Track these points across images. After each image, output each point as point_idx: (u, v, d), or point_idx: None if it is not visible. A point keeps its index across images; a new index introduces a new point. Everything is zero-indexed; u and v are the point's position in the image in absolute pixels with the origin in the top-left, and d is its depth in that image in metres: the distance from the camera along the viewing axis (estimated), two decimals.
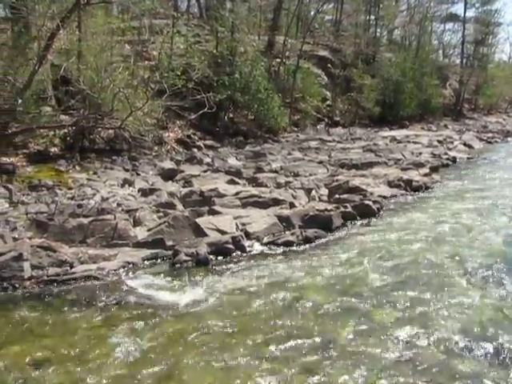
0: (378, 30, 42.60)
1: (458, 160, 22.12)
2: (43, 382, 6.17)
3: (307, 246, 10.95)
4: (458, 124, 36.40)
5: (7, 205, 11.85)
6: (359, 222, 12.54)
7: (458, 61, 49.00)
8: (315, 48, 33.81)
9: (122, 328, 7.46)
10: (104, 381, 6.15)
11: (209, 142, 20.42)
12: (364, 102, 32.45)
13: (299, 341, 6.99)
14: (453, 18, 51.08)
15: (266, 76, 25.40)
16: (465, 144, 26.96)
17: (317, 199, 14.03)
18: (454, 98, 42.02)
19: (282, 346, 6.87)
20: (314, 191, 14.49)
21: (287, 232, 11.46)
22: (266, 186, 14.74)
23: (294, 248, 10.80)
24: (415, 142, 26.19)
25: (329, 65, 33.45)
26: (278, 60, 28.84)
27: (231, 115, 23.93)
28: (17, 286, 8.79)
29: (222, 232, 10.97)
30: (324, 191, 14.71)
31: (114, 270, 9.44)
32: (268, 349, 6.83)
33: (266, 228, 11.50)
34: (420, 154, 22.27)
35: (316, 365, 6.41)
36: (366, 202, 13.27)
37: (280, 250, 10.73)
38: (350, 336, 7.12)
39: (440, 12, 48.90)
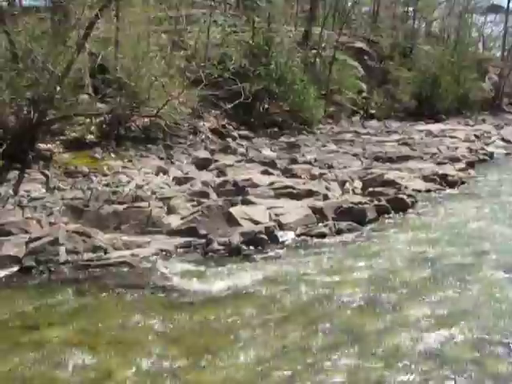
0: (416, 22, 41.87)
1: (495, 155, 21.64)
2: (79, 365, 6.24)
3: (340, 238, 10.87)
4: (497, 119, 35.55)
5: (44, 190, 12.03)
6: (393, 216, 12.38)
7: (498, 53, 47.88)
8: (352, 40, 33.43)
9: (155, 314, 7.52)
10: (136, 365, 6.20)
11: (243, 132, 20.38)
12: (400, 95, 32.01)
13: (330, 333, 6.95)
14: (495, 8, 49.89)
15: (301, 67, 25.24)
16: (503, 139, 26.31)
17: (351, 192, 13.92)
18: (493, 92, 41.09)
19: (311, 338, 6.84)
20: (347, 184, 14.37)
21: (320, 224, 11.39)
22: (300, 178, 14.67)
23: (327, 240, 10.73)
24: (452, 137, 25.69)
25: (365, 57, 33.03)
26: (314, 51, 28.61)
27: (266, 106, 23.82)
28: (52, 269, 8.95)
29: (256, 222, 10.96)
30: (358, 184, 14.58)
31: (147, 257, 9.54)
32: (297, 339, 6.82)
33: (299, 219, 11.45)
34: (456, 148, 21.84)
35: (347, 358, 6.36)
36: (401, 195, 13.12)
37: (313, 241, 10.69)
38: (381, 330, 7.04)
39: (481, 3, 47.82)
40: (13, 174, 12.36)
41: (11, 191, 11.68)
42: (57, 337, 6.90)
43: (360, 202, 12.43)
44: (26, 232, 9.87)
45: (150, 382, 5.88)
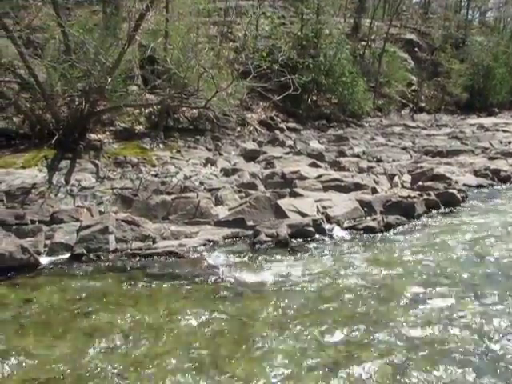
0: (470, 12, 40.99)
1: None
2: (126, 351, 6.32)
3: (388, 232, 10.73)
4: None
5: (94, 180, 12.23)
6: (443, 211, 12.17)
7: None
8: (402, 31, 32.99)
9: (201, 304, 7.55)
10: (182, 354, 6.23)
11: (291, 125, 20.34)
12: (451, 88, 31.41)
13: (378, 327, 6.85)
14: None
15: (350, 59, 25.02)
16: None
17: (399, 185, 13.74)
18: None
19: (358, 331, 6.75)
20: (396, 177, 14.18)
21: (368, 217, 11.29)
22: (348, 171, 14.55)
23: (375, 234, 10.60)
24: (504, 131, 25.07)
25: (416, 48, 32.54)
26: (364, 43, 28.32)
27: (314, 98, 23.75)
28: (102, 257, 9.12)
29: (303, 214, 10.92)
30: (407, 178, 14.36)
31: (195, 247, 9.60)
32: (344, 332, 6.73)
33: (346, 212, 11.37)
34: (509, 143, 21.30)
35: (395, 353, 6.25)
36: (451, 190, 12.86)
37: (360, 235, 10.59)
38: (430, 326, 6.90)
39: None
40: (64, 164, 12.59)
41: (63, 180, 11.91)
42: (106, 323, 6.99)
43: (409, 196, 12.27)
44: (77, 220, 10.07)
45: (196, 371, 5.90)
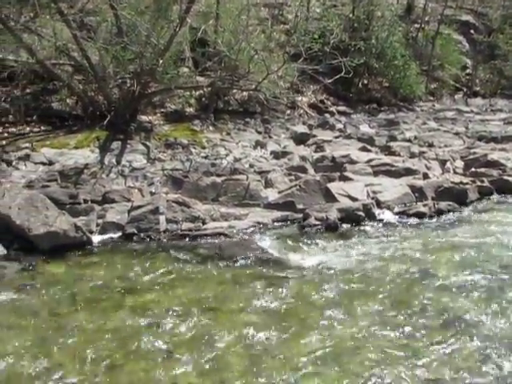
0: None
1: None
2: (173, 329, 6.39)
3: (439, 218, 10.51)
4: None
5: (145, 161, 12.35)
6: (496, 198, 11.85)
7: None
8: (457, 12, 32.04)
9: (250, 285, 7.57)
10: (230, 334, 6.26)
11: (341, 108, 20.11)
12: (509, 71, 30.42)
13: (425, 314, 6.72)
14: None
15: (403, 42, 24.50)
16: None
17: (451, 171, 13.44)
18: None
19: (406, 317, 6.65)
20: (448, 163, 13.86)
21: (419, 203, 11.10)
22: (398, 155, 14.29)
23: (426, 220, 10.41)
24: None
25: (471, 30, 31.57)
26: (417, 25, 27.69)
27: (365, 81, 23.39)
28: (153, 237, 9.24)
29: (353, 199, 10.82)
30: (459, 164, 14.03)
31: (245, 229, 9.63)
32: (391, 318, 6.64)
33: (397, 197, 11.21)
34: None
35: (442, 341, 6.11)
36: (506, 177, 12.51)
37: (411, 220, 10.42)
38: (479, 314, 6.72)
39: None
40: (116, 145, 12.75)
41: (114, 161, 12.07)
42: (154, 301, 7.09)
43: (461, 182, 12.05)
44: (129, 200, 10.20)
45: (243, 350, 5.93)
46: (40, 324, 6.53)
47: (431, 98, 26.07)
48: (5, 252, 8.57)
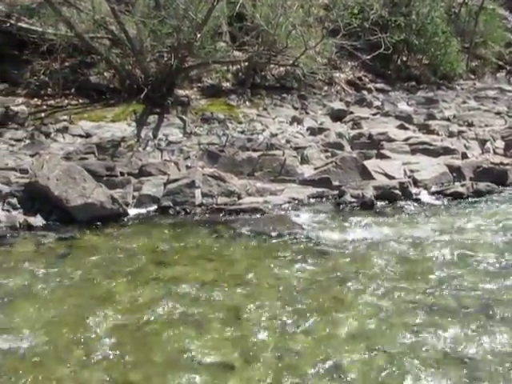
0: None
1: None
2: (207, 300, 6.47)
3: (478, 199, 10.32)
4: None
5: (181, 135, 12.35)
6: None
7: None
8: None
9: (283, 260, 7.60)
10: (263, 309, 6.28)
11: (379, 85, 19.75)
12: None
13: (457, 294, 6.64)
14: None
15: (444, 18, 23.90)
16: None
17: (491, 152, 13.15)
18: None
19: (441, 299, 6.55)
20: (488, 143, 13.55)
21: (457, 183, 10.97)
22: (437, 134, 14.01)
23: (463, 200, 10.25)
24: None
25: None
26: (460, 0, 27.01)
27: (404, 58, 22.94)
28: (188, 210, 9.32)
29: (390, 177, 10.73)
30: (500, 144, 13.70)
31: (280, 205, 9.66)
32: (425, 298, 6.56)
33: (434, 177, 11.06)
34: None
35: (479, 323, 6.01)
36: None
37: (448, 200, 10.29)
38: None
39: None
40: (152, 118, 12.78)
41: (151, 134, 12.11)
42: (188, 274, 7.17)
43: (501, 163, 11.83)
44: (165, 174, 10.24)
45: (275, 325, 5.93)
46: (76, 293, 6.65)
47: (472, 77, 25.45)
48: (44, 222, 8.75)
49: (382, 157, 11.63)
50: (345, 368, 5.22)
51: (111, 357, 5.38)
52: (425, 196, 10.44)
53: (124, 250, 7.84)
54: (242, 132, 12.69)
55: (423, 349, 5.49)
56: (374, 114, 15.68)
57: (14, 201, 9.01)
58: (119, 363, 5.29)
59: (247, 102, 14.90)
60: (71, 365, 5.24)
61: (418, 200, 10.20)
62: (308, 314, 6.14)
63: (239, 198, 9.72)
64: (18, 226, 8.54)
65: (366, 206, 9.67)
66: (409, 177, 10.94)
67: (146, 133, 12.16)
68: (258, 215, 9.17)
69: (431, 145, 12.61)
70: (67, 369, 5.19)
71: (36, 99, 13.29)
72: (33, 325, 5.90)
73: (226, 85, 15.80)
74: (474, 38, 25.66)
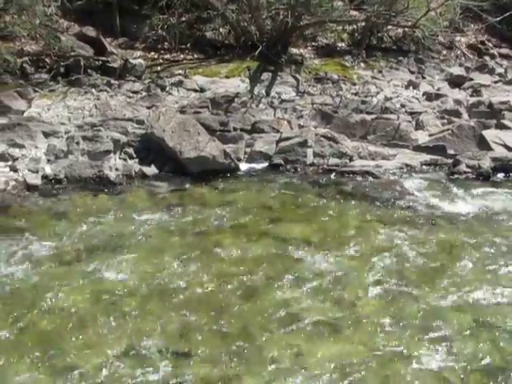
0: None
1: None
2: (312, 260, 6.55)
3: None
4: None
5: (294, 94, 12.32)
6: None
7: None
8: None
9: (393, 227, 7.46)
10: (365, 275, 6.28)
11: (504, 51, 18.58)
12: None
13: None
14: None
15: None
16: None
17: None
18: None
19: None
20: None
21: None
22: None
23: None
24: None
25: None
26: None
27: None
28: (299, 169, 9.38)
29: (509, 148, 10.22)
30: None
31: (391, 170, 9.50)
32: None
33: None
34: None
35: None
36: None
37: None
38: None
39: None
40: (266, 76, 12.81)
41: (264, 92, 12.16)
42: (297, 232, 7.23)
43: None
44: (277, 131, 10.30)
45: (374, 294, 5.92)
46: (186, 243, 6.89)
47: None
48: (157, 172, 9.08)
49: (502, 127, 11.05)
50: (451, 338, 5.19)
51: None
52: None
53: (234, 205, 8.01)
54: (356, 94, 12.47)
55: None
56: (495, 82, 14.90)
57: (131, 150, 9.39)
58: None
59: (362, 64, 14.58)
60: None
61: None
62: (415, 283, 6.08)
63: (351, 160, 9.63)
64: (133, 174, 8.91)
65: (481, 177, 9.31)
66: None
67: (260, 90, 12.23)
68: (369, 179, 9.05)
69: None
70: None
71: (153, 53, 13.71)
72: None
73: (341, 45, 15.53)
74: None
